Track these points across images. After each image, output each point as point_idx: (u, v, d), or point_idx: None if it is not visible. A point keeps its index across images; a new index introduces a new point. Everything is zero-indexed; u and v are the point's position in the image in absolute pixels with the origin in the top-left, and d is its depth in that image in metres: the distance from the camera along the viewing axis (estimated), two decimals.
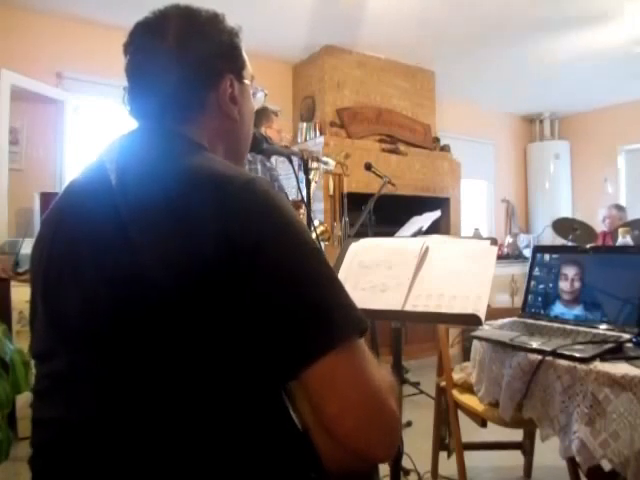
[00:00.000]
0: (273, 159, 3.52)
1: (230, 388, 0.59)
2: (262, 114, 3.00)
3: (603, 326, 1.41)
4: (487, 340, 1.48)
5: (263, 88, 0.92)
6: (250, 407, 0.61)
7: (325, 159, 2.04)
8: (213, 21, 0.79)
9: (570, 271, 1.55)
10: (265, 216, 0.60)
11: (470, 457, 1.95)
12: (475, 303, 1.05)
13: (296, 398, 0.64)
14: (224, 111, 0.79)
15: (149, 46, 0.75)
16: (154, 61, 0.74)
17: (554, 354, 1.23)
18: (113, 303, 0.60)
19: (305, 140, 4.15)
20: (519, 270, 4.84)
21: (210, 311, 0.57)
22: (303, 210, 2.72)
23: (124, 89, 0.78)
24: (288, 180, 3.75)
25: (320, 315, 0.59)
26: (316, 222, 2.58)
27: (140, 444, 0.58)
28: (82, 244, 0.65)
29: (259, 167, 2.79)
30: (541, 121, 6.20)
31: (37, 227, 2.68)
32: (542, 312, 1.59)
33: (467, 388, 1.84)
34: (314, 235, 1.55)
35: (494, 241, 1.22)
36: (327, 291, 0.61)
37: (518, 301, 4.38)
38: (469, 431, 1.90)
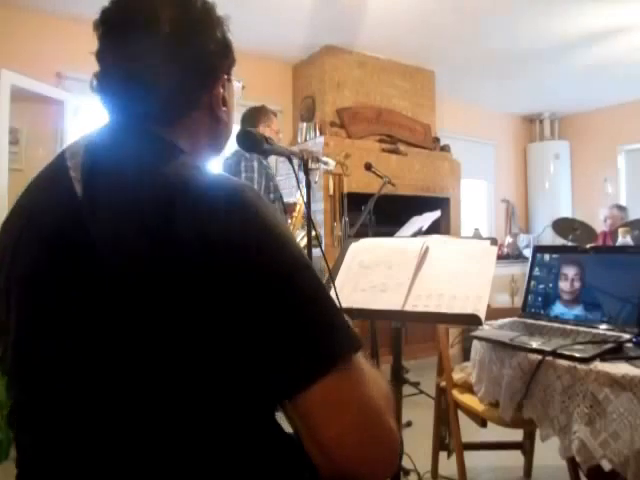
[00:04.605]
0: (273, 159, 3.48)
1: (219, 400, 0.57)
2: (261, 113, 2.91)
3: (603, 326, 1.41)
4: (487, 340, 1.48)
5: (240, 79, 0.83)
6: (242, 412, 0.59)
7: (325, 159, 2.04)
8: (209, 12, 0.71)
9: (570, 271, 1.55)
10: (252, 231, 0.55)
11: (470, 457, 1.95)
12: (475, 303, 1.05)
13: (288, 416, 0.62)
14: (215, 114, 0.73)
15: (137, 31, 0.66)
16: (144, 51, 0.65)
17: (554, 354, 1.23)
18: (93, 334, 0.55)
19: (305, 140, 4.15)
20: (519, 270, 4.84)
21: (199, 331, 0.54)
22: (296, 213, 2.70)
23: (94, 75, 0.70)
24: (288, 180, 3.76)
25: (315, 335, 0.55)
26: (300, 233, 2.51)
27: (132, 450, 0.56)
28: (44, 266, 0.59)
29: (255, 164, 2.68)
30: (541, 121, 6.20)
31: None
32: (542, 312, 1.59)
33: (467, 388, 1.84)
34: (312, 235, 1.54)
35: (494, 241, 1.22)
36: (320, 310, 0.56)
37: (518, 301, 4.37)
38: (469, 431, 1.89)
